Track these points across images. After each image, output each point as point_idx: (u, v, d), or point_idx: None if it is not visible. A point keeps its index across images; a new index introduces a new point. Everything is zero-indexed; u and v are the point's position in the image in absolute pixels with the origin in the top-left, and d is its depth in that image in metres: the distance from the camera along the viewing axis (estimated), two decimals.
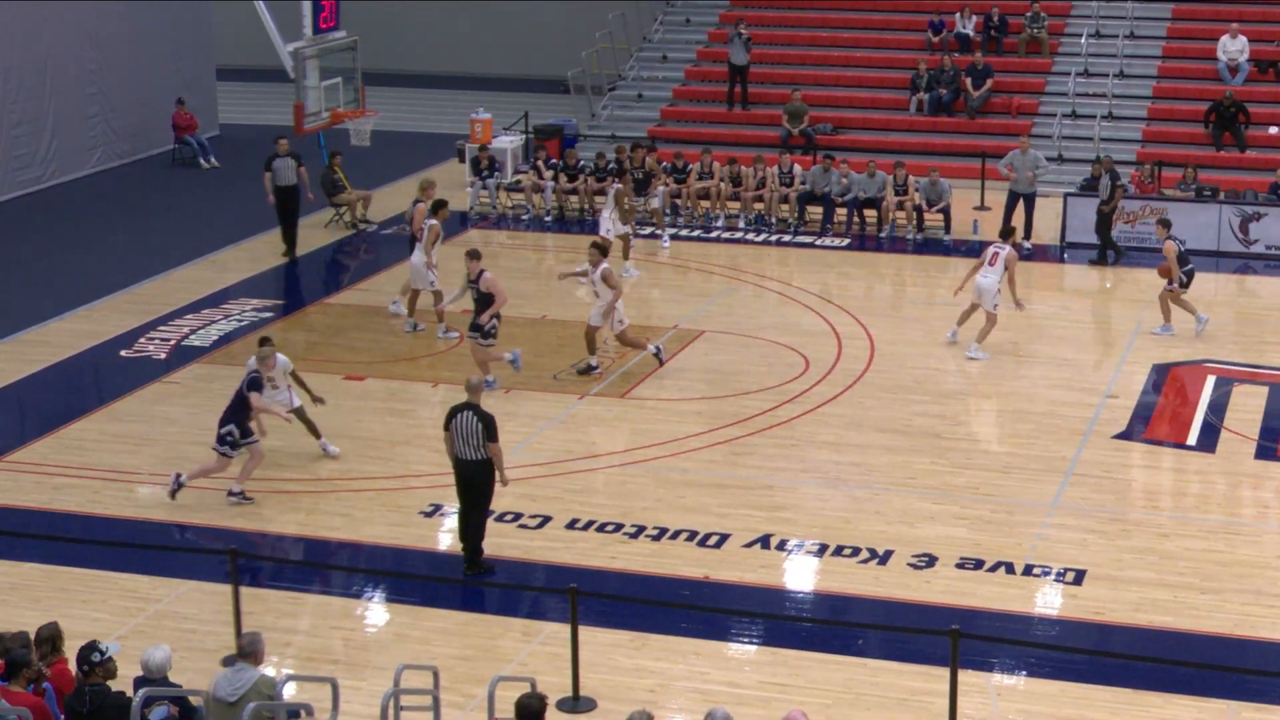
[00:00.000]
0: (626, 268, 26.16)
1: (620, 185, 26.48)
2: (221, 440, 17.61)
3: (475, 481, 16.01)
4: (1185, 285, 22.96)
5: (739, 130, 33.61)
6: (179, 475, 17.74)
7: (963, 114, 32.88)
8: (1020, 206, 27.69)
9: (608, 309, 21.35)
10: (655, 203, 28.42)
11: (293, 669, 14.18)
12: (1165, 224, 23.81)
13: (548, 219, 29.88)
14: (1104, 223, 26.79)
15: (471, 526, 16.16)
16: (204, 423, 18.88)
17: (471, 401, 15.97)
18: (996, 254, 22.23)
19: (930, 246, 28.14)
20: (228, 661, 12.47)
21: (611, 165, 29.36)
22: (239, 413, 17.61)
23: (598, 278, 21.29)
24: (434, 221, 23.13)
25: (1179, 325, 23.08)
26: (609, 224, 25.86)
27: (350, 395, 20.96)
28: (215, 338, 23.20)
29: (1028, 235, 27.56)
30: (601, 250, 21.50)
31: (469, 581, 16.03)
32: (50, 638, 11.95)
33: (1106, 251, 26.89)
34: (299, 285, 26.58)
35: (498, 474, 15.98)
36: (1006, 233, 23.30)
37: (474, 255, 21.06)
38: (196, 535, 17.13)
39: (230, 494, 17.75)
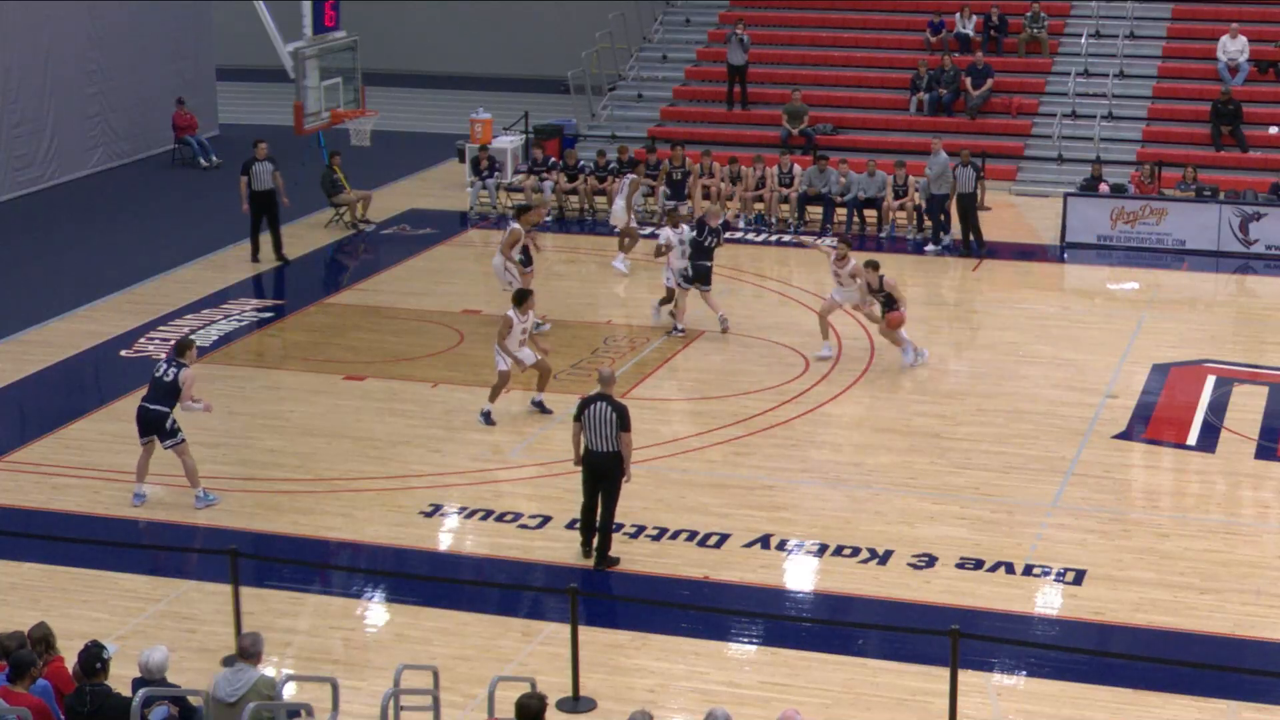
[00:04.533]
0: (620, 258, 26.35)
1: (634, 175, 26.66)
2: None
3: (606, 474, 15.99)
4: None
5: (739, 130, 33.60)
6: None
7: (963, 114, 32.86)
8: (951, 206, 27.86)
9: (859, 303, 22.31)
10: (684, 208, 27.48)
11: (293, 669, 14.16)
12: (874, 265, 21.65)
13: (548, 219, 29.87)
14: (968, 212, 27.19)
15: (600, 521, 16.15)
16: (203, 422, 18.86)
17: (605, 393, 16.01)
18: None
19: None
20: (228, 661, 12.47)
21: (616, 161, 29.29)
22: None
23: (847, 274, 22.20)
24: (515, 225, 22.80)
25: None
26: (622, 213, 26.56)
27: (350, 395, 20.95)
28: (215, 338, 23.19)
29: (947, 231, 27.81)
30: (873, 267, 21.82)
31: (469, 582, 16.03)
32: (43, 637, 11.93)
33: (970, 241, 27.36)
34: (299, 285, 26.56)
35: (625, 466, 15.95)
36: None
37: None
38: (196, 535, 17.13)
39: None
